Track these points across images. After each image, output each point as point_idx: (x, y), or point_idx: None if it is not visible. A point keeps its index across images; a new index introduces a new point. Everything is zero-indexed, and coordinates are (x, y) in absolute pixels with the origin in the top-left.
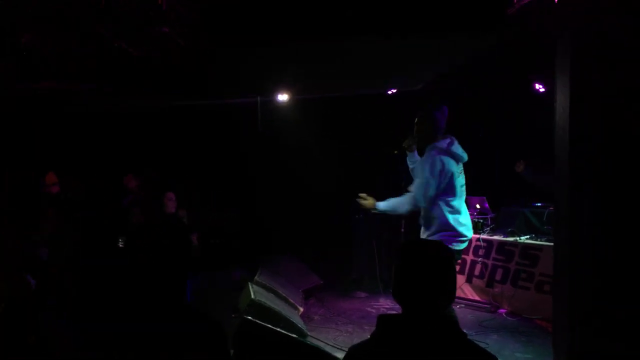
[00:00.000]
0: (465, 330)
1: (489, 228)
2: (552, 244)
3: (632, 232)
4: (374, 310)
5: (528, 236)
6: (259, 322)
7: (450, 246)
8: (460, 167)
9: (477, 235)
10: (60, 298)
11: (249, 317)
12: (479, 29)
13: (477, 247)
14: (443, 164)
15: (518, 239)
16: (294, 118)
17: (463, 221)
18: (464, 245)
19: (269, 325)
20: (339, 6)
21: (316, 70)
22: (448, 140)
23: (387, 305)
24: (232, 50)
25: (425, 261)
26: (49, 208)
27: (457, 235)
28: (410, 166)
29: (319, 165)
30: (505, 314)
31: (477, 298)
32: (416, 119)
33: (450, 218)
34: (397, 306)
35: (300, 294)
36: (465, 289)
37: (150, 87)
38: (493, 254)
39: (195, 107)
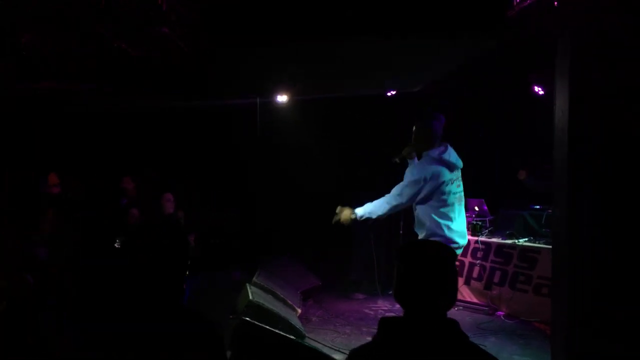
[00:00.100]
0: None
1: (487, 230)
2: (550, 246)
3: (632, 233)
4: (372, 312)
5: (526, 239)
6: (257, 323)
7: None
8: (456, 174)
9: (476, 238)
10: (60, 298)
11: (247, 318)
12: (479, 31)
13: (475, 250)
14: (432, 173)
15: (516, 241)
16: (293, 119)
17: (455, 228)
18: (457, 252)
19: (267, 327)
20: (339, 6)
21: (315, 71)
22: (441, 149)
23: (385, 307)
24: (232, 51)
25: (425, 262)
26: (49, 208)
27: (447, 242)
28: None
29: (319, 165)
30: (503, 316)
31: (475, 300)
32: (414, 127)
33: (439, 224)
34: (395, 308)
35: (298, 295)
36: (463, 291)
37: (150, 87)
38: (491, 257)
39: (196, 107)
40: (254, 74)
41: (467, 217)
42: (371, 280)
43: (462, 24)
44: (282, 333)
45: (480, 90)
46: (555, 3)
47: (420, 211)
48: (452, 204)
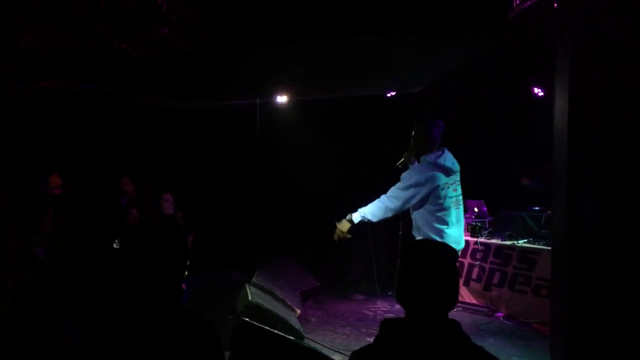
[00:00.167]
0: None
1: (486, 231)
2: (549, 248)
3: (632, 233)
4: (371, 313)
5: (526, 240)
6: (256, 323)
7: None
8: (452, 179)
9: (475, 239)
10: (60, 298)
11: (246, 319)
12: (479, 31)
13: (474, 251)
14: (426, 177)
15: (516, 242)
16: (293, 119)
17: (450, 233)
18: None
19: (266, 327)
20: (338, 6)
21: (315, 71)
22: (438, 153)
23: (384, 307)
24: (232, 51)
25: (426, 262)
26: (49, 208)
27: None
28: None
29: (319, 165)
30: (502, 317)
31: (474, 301)
32: (413, 132)
33: (434, 229)
34: (395, 308)
35: (297, 295)
36: (462, 292)
37: (150, 87)
38: (490, 258)
39: (196, 107)
40: (253, 74)
41: (466, 218)
42: (370, 280)
43: (462, 24)
44: (281, 334)
45: (480, 91)
46: (555, 5)
47: (416, 215)
48: (449, 208)
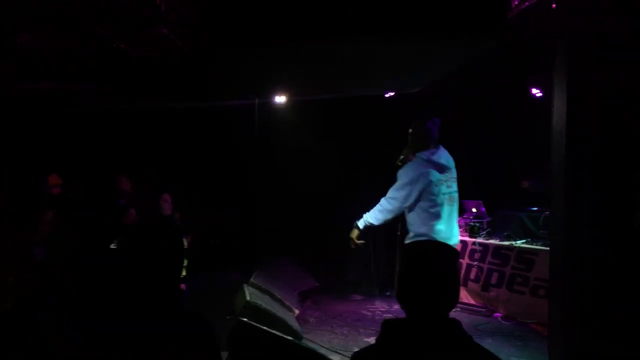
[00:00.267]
0: None
1: (484, 232)
2: (547, 248)
3: (632, 233)
4: (369, 313)
5: (524, 240)
6: (254, 324)
7: None
8: (446, 176)
9: (473, 239)
10: (60, 298)
11: (244, 319)
12: (478, 31)
13: (472, 251)
14: (419, 174)
15: (514, 243)
16: (293, 119)
17: (441, 228)
18: None
19: (264, 328)
20: (338, 6)
21: (314, 71)
22: (432, 150)
23: (382, 308)
24: (231, 50)
25: (426, 262)
26: (49, 209)
27: None
28: None
29: (318, 166)
30: (500, 318)
31: (472, 302)
32: (410, 130)
33: (425, 224)
34: (393, 309)
35: (295, 296)
36: (460, 293)
37: (149, 87)
38: (489, 258)
39: (196, 107)
40: (252, 74)
41: (464, 218)
42: (369, 281)
43: (461, 25)
44: (279, 334)
45: (480, 91)
46: (554, 5)
47: (409, 211)
48: (442, 204)
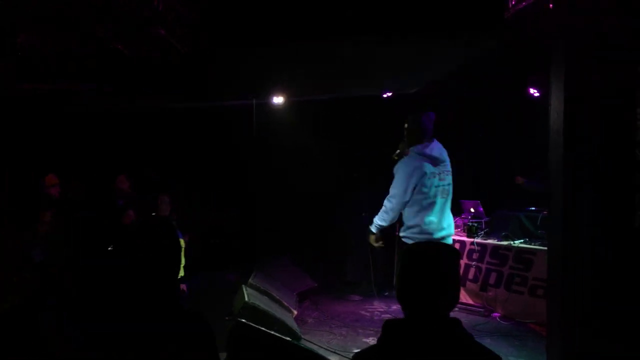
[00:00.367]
0: None
1: (483, 232)
2: (546, 248)
3: (632, 233)
4: (368, 314)
5: (522, 240)
6: (253, 324)
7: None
8: (440, 169)
9: (471, 239)
10: (60, 298)
11: (243, 320)
12: (477, 31)
13: (471, 251)
14: (413, 167)
15: (512, 243)
16: (292, 119)
17: (433, 219)
18: None
19: (263, 328)
20: (338, 6)
21: (314, 72)
22: (425, 144)
23: (381, 308)
24: (230, 51)
25: (427, 262)
26: (48, 209)
27: (421, 233)
28: None
29: (317, 166)
30: (498, 317)
31: (470, 302)
32: (405, 125)
33: (416, 215)
34: (392, 309)
35: (294, 296)
36: None
37: (149, 87)
38: (487, 258)
39: (196, 107)
40: (252, 74)
41: (462, 218)
42: (367, 281)
43: (460, 25)
44: (277, 334)
45: (480, 91)
46: (550, 5)
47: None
48: (435, 196)
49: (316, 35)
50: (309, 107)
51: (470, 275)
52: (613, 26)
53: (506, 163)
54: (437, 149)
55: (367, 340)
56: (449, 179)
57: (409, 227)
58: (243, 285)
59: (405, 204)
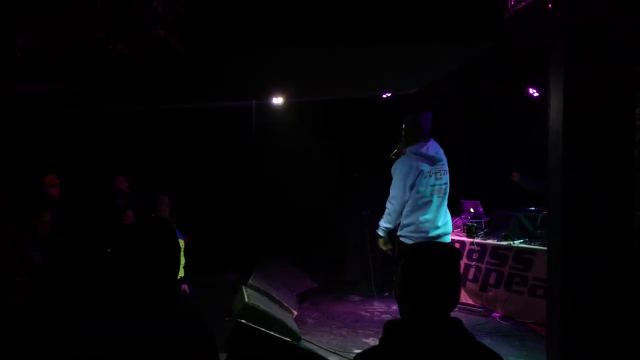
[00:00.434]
0: None
1: (482, 232)
2: (545, 248)
3: (632, 233)
4: (368, 314)
5: (522, 240)
6: (253, 325)
7: (408, 241)
8: (436, 168)
9: (471, 239)
10: (60, 298)
11: (243, 321)
12: (476, 32)
13: (470, 251)
14: (409, 166)
15: (512, 243)
16: (290, 120)
17: (428, 217)
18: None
19: (263, 329)
20: (338, 6)
21: (313, 72)
22: (422, 144)
23: (381, 308)
24: (230, 51)
25: (428, 262)
26: (48, 209)
27: (417, 231)
28: None
29: (318, 166)
30: (498, 317)
31: (470, 302)
32: (403, 125)
33: (412, 214)
34: (392, 309)
35: (294, 297)
36: None
37: (149, 87)
38: (487, 258)
39: (196, 108)
40: (252, 75)
41: (462, 218)
42: (367, 282)
43: (459, 25)
44: (277, 335)
45: (480, 91)
46: (550, 5)
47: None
48: (431, 195)
49: (316, 35)
50: (309, 108)
51: (470, 276)
52: (613, 26)
53: (506, 163)
54: (433, 148)
55: (367, 341)
56: (445, 178)
57: (405, 226)
58: (243, 286)
59: (405, 203)
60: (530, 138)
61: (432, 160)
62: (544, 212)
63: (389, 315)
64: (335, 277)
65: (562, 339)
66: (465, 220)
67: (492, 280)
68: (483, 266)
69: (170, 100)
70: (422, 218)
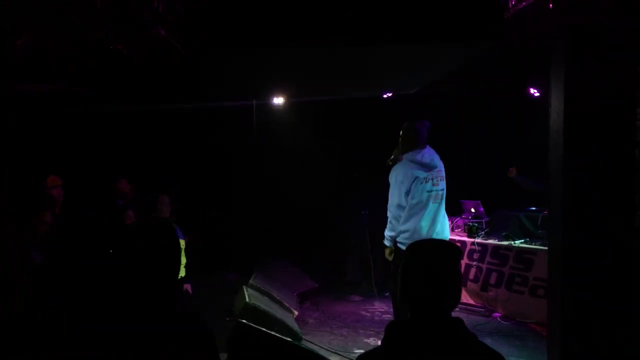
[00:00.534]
0: None
1: (483, 232)
2: (546, 248)
3: (632, 233)
4: (368, 314)
5: (522, 240)
6: (254, 325)
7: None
8: (432, 174)
9: (472, 239)
10: (60, 298)
11: (244, 321)
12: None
13: (471, 251)
14: (404, 173)
15: (512, 242)
16: (290, 120)
17: (424, 224)
18: None
19: (264, 329)
20: (338, 7)
21: (313, 72)
22: (417, 151)
23: (381, 308)
24: (231, 51)
25: (429, 262)
26: (48, 209)
27: (411, 238)
28: None
29: (318, 166)
30: (499, 317)
31: (471, 302)
32: (400, 132)
33: (408, 220)
34: (392, 309)
35: (295, 297)
36: None
37: (149, 87)
38: (487, 258)
39: (196, 108)
40: (253, 75)
41: (463, 218)
42: (368, 282)
43: (460, 25)
44: (278, 335)
45: (480, 91)
46: (550, 5)
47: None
48: (426, 201)
49: (316, 35)
50: (309, 108)
51: (471, 275)
52: (613, 26)
53: (506, 163)
54: (428, 155)
55: (368, 341)
56: (442, 184)
57: (402, 232)
58: (244, 286)
59: (402, 210)
60: (530, 138)
61: (428, 167)
62: (545, 212)
63: (389, 316)
64: (335, 277)
65: (563, 339)
66: (466, 220)
67: (493, 280)
68: (484, 266)
69: (170, 100)
70: (417, 225)
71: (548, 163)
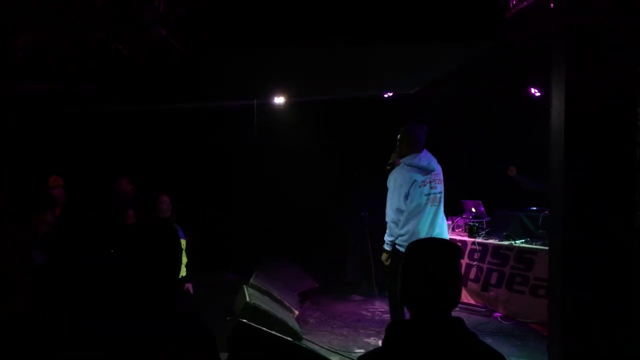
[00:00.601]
0: None
1: (484, 232)
2: (547, 248)
3: (632, 233)
4: (369, 314)
5: (523, 240)
6: (254, 325)
7: (403, 250)
8: (430, 177)
9: (472, 239)
10: (60, 298)
11: (244, 320)
12: (477, 32)
13: (472, 251)
14: (402, 177)
15: (513, 242)
16: (291, 120)
17: (422, 227)
18: None
19: (264, 328)
20: (338, 7)
21: (313, 72)
22: (414, 155)
23: (382, 308)
24: (231, 51)
25: (429, 261)
26: (48, 209)
27: (409, 241)
28: None
29: (318, 166)
30: (500, 317)
31: (472, 302)
32: (398, 136)
33: (406, 224)
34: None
35: (295, 297)
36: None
37: (149, 87)
38: (488, 258)
39: (196, 107)
40: (253, 75)
41: (464, 218)
42: (368, 281)
43: (460, 25)
44: (279, 335)
45: (480, 91)
46: (551, 5)
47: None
48: (424, 204)
49: (316, 35)
50: (310, 107)
51: (472, 275)
52: (613, 26)
53: (506, 163)
54: (425, 158)
55: (369, 341)
56: (440, 187)
57: (400, 235)
58: (244, 286)
59: (401, 213)
60: (530, 138)
61: (426, 171)
62: (546, 212)
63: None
64: (335, 277)
65: (563, 339)
66: (467, 220)
67: (493, 280)
68: (484, 266)
69: (170, 100)
70: (417, 227)
71: (548, 163)
